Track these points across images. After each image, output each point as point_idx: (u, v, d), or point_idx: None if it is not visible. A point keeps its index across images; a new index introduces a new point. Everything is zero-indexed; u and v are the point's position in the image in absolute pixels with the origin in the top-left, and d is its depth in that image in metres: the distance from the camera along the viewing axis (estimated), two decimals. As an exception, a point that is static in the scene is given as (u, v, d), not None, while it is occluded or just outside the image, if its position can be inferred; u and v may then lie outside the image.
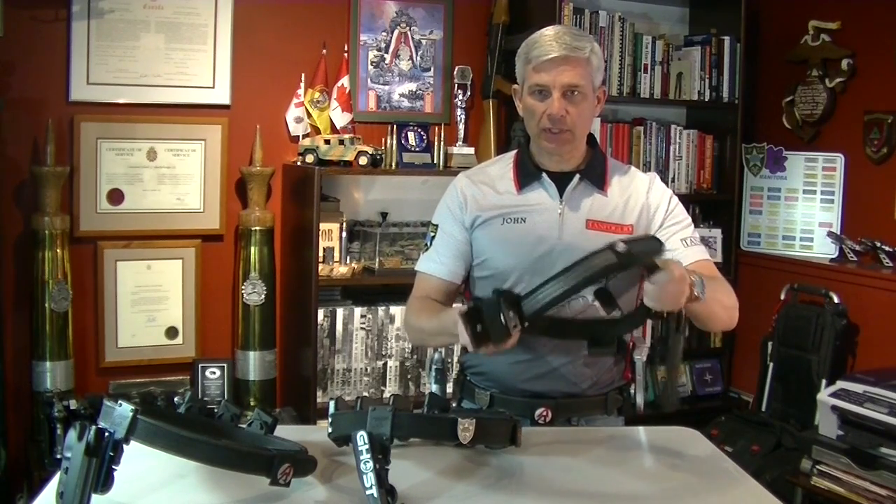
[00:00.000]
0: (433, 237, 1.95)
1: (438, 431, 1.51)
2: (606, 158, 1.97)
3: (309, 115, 3.50)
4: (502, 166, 1.97)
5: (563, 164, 1.90)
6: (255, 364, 3.41)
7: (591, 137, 1.96)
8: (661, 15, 4.05)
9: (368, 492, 1.29)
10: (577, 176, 1.88)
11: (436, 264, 1.92)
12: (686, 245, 1.92)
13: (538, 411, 1.82)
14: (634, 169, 2.02)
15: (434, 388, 2.04)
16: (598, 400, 1.89)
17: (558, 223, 1.85)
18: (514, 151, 1.99)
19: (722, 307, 1.86)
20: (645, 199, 1.91)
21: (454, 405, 1.97)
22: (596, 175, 1.90)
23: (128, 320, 3.36)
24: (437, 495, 1.43)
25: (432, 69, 3.75)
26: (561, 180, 1.88)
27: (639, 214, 1.89)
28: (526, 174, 1.90)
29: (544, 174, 1.88)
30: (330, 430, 1.54)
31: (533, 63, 1.82)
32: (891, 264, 3.41)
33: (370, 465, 1.30)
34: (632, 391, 1.96)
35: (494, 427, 1.54)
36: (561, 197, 1.87)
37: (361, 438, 1.32)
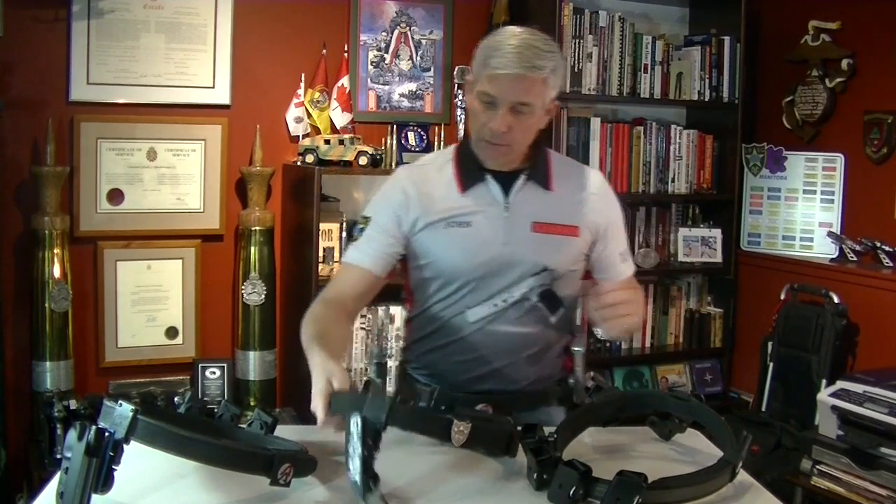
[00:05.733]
0: (363, 229, 1.86)
1: (432, 429, 1.47)
2: (549, 155, 1.92)
3: (309, 115, 3.50)
4: (442, 164, 1.89)
5: (507, 164, 1.84)
6: (255, 364, 3.40)
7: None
8: (661, 15, 4.05)
9: (352, 476, 1.28)
10: (523, 177, 1.84)
11: (364, 255, 1.84)
12: (623, 260, 1.93)
13: (478, 407, 1.82)
14: (580, 164, 2.00)
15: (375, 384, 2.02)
16: (539, 394, 1.90)
17: (503, 226, 1.81)
18: (454, 147, 1.92)
19: (637, 328, 1.93)
20: (595, 202, 1.89)
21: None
22: (541, 174, 1.86)
23: (128, 320, 3.36)
24: (428, 493, 1.43)
25: (432, 69, 3.76)
26: (505, 180, 1.83)
27: (585, 217, 1.87)
28: (469, 174, 1.84)
29: (489, 175, 1.83)
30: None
31: (488, 71, 1.73)
32: (891, 264, 3.41)
33: (358, 449, 1.28)
34: (571, 382, 1.94)
35: (489, 434, 1.50)
36: (506, 198, 1.82)
37: (355, 423, 1.31)
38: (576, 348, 1.92)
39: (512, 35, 1.76)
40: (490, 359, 1.84)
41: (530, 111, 1.75)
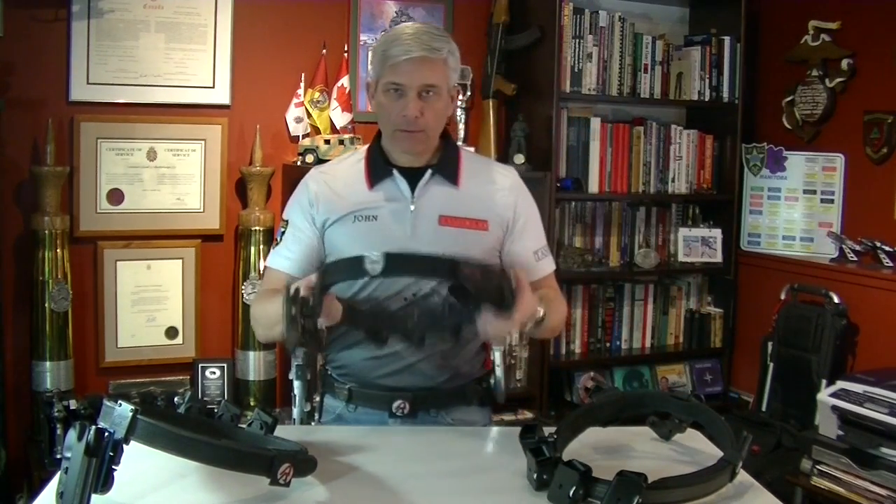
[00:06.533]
0: (283, 232, 1.91)
1: (433, 269, 1.51)
2: (460, 152, 1.94)
3: (309, 115, 3.50)
4: (353, 163, 1.92)
5: (415, 160, 1.87)
6: (255, 364, 3.41)
7: (444, 131, 1.92)
8: (661, 15, 4.05)
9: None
10: (430, 171, 1.85)
11: (284, 259, 1.89)
12: (538, 258, 1.92)
13: (395, 404, 1.84)
14: (493, 162, 2.01)
15: (296, 384, 2.04)
16: (457, 392, 1.90)
17: (410, 220, 1.82)
18: (366, 147, 1.94)
19: (548, 333, 1.90)
20: (505, 197, 1.90)
21: (317, 399, 2.01)
22: (449, 169, 1.87)
23: (128, 320, 3.36)
24: (428, 493, 1.43)
25: (432, 69, 3.75)
26: (413, 176, 1.85)
27: (495, 211, 1.87)
28: (377, 170, 1.87)
29: (395, 170, 1.85)
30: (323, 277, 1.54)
31: (390, 61, 1.77)
32: (891, 264, 3.41)
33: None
34: (492, 381, 1.94)
35: (493, 275, 1.53)
36: (413, 193, 1.84)
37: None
38: (495, 347, 1.90)
39: (405, 27, 1.84)
40: (403, 354, 1.84)
41: (437, 94, 1.79)
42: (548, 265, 1.95)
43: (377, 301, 1.79)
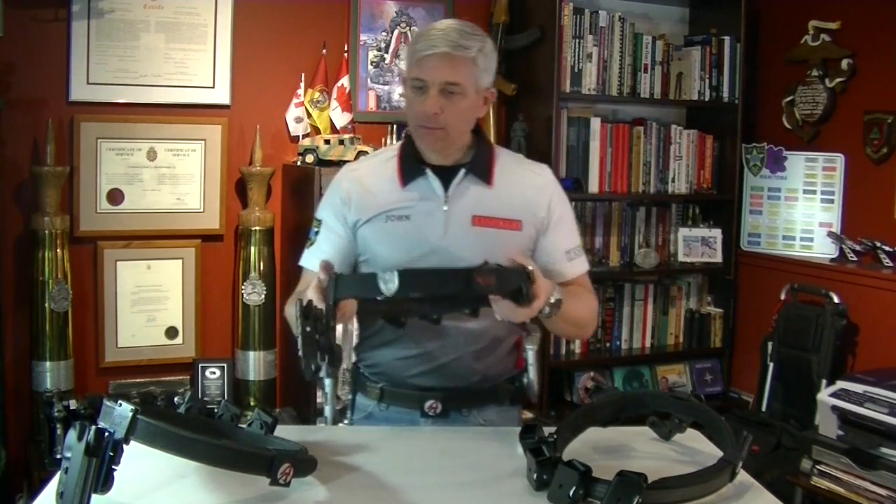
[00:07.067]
0: (317, 232, 1.89)
1: (449, 283, 1.51)
2: (494, 150, 1.91)
3: (309, 115, 3.50)
4: (385, 160, 1.90)
5: (447, 158, 1.84)
6: (255, 364, 3.41)
7: (478, 129, 1.90)
8: (661, 15, 4.05)
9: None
10: (463, 170, 1.83)
11: (318, 260, 1.82)
12: (570, 258, 1.90)
13: (427, 403, 1.83)
14: (526, 160, 1.98)
15: (327, 382, 2.04)
16: (489, 391, 1.89)
17: (443, 220, 1.80)
18: (399, 143, 1.93)
19: (573, 325, 1.84)
20: (539, 197, 1.88)
21: (350, 397, 1.99)
22: (482, 168, 1.85)
23: (128, 320, 3.36)
24: (428, 493, 1.43)
25: (432, 69, 3.75)
26: (446, 175, 1.83)
27: (529, 210, 1.86)
28: (410, 168, 1.84)
29: (428, 169, 1.83)
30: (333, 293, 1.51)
31: (416, 56, 1.76)
32: (891, 264, 3.41)
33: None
34: (525, 380, 1.93)
35: (510, 277, 1.53)
36: (446, 192, 1.82)
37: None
38: (528, 346, 1.90)
39: (439, 23, 1.83)
40: (435, 354, 1.83)
41: (460, 92, 1.76)
42: (580, 265, 1.92)
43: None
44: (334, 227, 1.87)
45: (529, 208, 1.86)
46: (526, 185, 1.88)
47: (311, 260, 1.88)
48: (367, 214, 1.83)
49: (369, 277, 1.51)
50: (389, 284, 1.45)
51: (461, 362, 1.84)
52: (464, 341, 1.82)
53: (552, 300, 1.65)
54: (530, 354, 1.90)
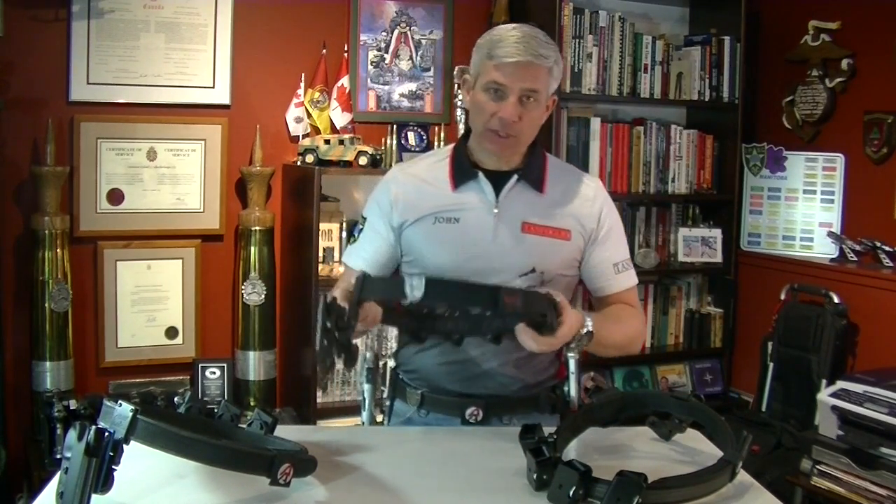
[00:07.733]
0: (361, 230, 1.90)
1: (476, 298, 1.52)
2: (546, 158, 1.91)
3: (309, 115, 3.50)
4: (437, 161, 1.89)
5: (502, 164, 1.84)
6: (255, 364, 3.41)
7: None
8: (661, 15, 4.05)
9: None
10: (515, 176, 1.82)
11: (359, 259, 1.87)
12: (617, 271, 1.89)
13: (469, 410, 1.83)
14: (578, 170, 1.98)
15: (365, 387, 2.03)
16: (530, 399, 1.88)
17: (492, 225, 1.80)
18: (451, 146, 1.92)
19: (612, 348, 1.83)
20: (589, 207, 1.87)
21: (387, 403, 1.99)
22: (535, 175, 1.84)
23: (128, 320, 3.36)
24: (428, 492, 1.43)
25: (432, 69, 3.76)
26: (498, 180, 1.82)
27: (578, 221, 1.85)
28: (462, 172, 1.84)
29: (480, 173, 1.82)
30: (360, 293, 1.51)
31: (495, 61, 1.74)
32: (891, 264, 3.41)
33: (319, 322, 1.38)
34: (566, 389, 1.93)
35: (536, 301, 1.53)
36: (497, 197, 1.81)
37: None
38: (570, 355, 1.89)
39: (512, 28, 1.80)
40: (477, 361, 1.83)
41: (537, 100, 1.76)
42: (628, 279, 1.91)
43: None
44: (378, 229, 1.87)
45: (580, 218, 1.85)
46: (577, 195, 1.87)
47: (353, 259, 1.89)
48: (416, 215, 1.83)
49: (397, 281, 1.51)
50: (416, 291, 1.44)
51: (503, 370, 1.84)
52: (505, 349, 1.79)
53: (583, 331, 1.66)
54: (572, 363, 1.90)
